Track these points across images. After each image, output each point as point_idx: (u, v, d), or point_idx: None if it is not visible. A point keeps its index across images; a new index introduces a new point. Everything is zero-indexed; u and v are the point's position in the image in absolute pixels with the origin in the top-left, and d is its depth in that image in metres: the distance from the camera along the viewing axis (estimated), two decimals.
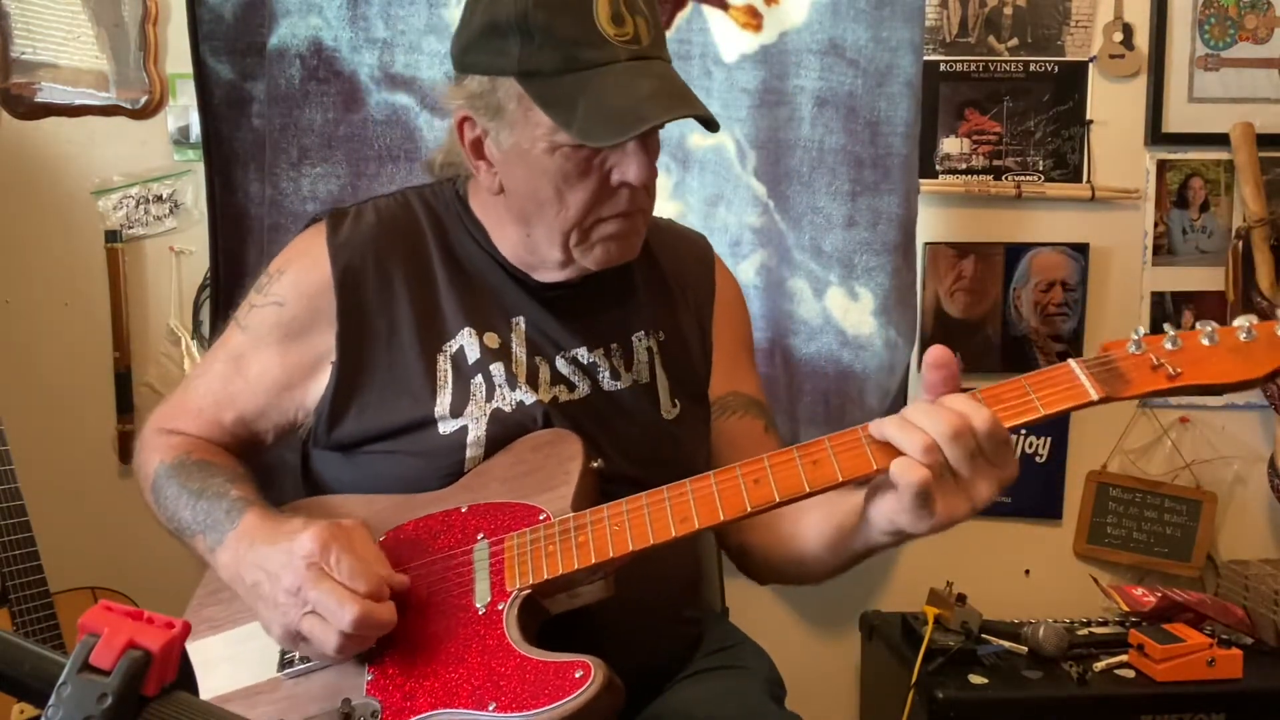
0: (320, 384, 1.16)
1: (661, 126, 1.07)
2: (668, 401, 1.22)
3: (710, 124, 1.06)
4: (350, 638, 0.96)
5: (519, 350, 1.16)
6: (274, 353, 1.18)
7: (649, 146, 1.09)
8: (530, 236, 1.15)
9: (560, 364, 1.17)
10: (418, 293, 1.16)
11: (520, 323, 1.18)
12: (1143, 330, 0.95)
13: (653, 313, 1.24)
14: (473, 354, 1.14)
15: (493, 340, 1.16)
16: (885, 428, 0.91)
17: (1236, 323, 0.93)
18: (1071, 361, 0.94)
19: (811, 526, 1.09)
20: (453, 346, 1.15)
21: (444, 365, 1.14)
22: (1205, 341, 0.93)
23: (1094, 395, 0.91)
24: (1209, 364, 0.92)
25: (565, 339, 1.18)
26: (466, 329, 1.15)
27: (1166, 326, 0.95)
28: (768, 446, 1.07)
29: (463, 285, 1.17)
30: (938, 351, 0.94)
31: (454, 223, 1.21)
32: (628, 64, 1.04)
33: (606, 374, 1.19)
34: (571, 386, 1.17)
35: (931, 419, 0.88)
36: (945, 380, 0.92)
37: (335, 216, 1.20)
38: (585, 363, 1.18)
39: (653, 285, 1.26)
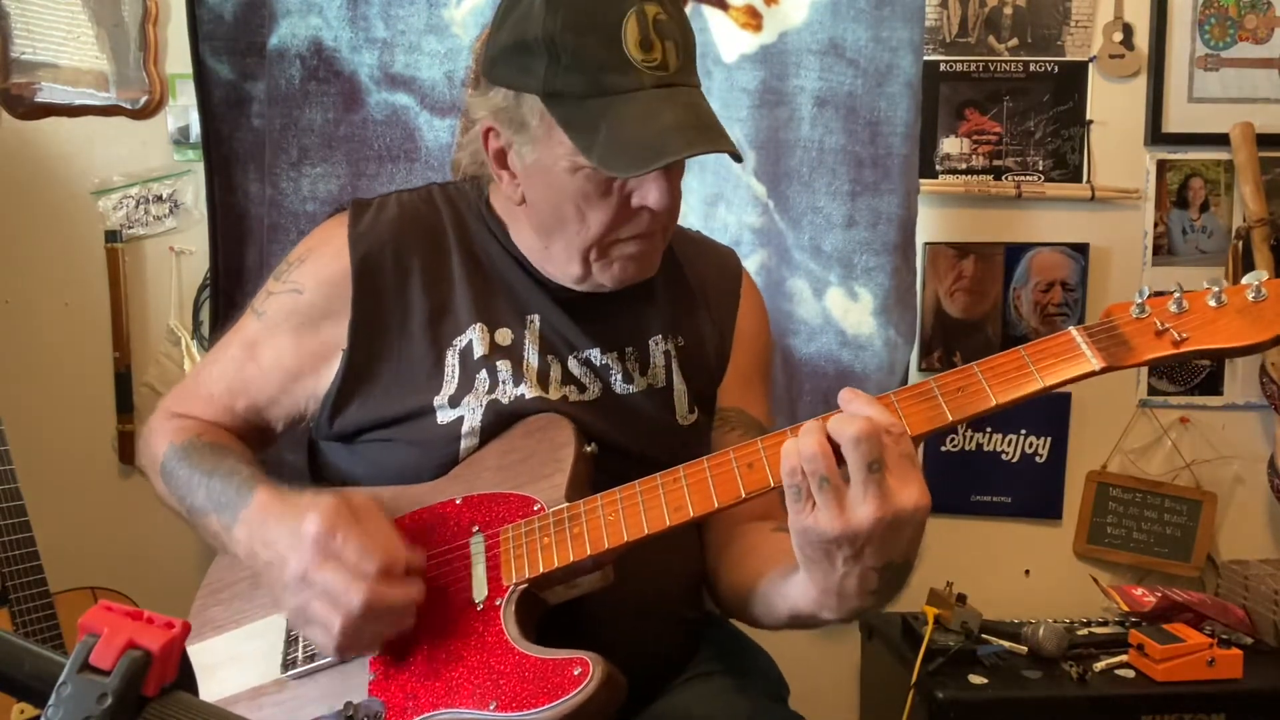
0: (331, 373, 1.16)
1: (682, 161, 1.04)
2: (685, 408, 1.21)
3: (735, 157, 1.04)
4: (356, 627, 0.93)
5: (531, 348, 1.16)
6: (289, 340, 1.18)
7: (672, 171, 1.07)
8: (548, 249, 1.14)
9: (572, 364, 1.17)
10: (434, 287, 1.16)
11: (535, 320, 1.18)
12: (1147, 291, 0.90)
13: (672, 317, 1.24)
14: (479, 349, 1.14)
15: (504, 337, 1.16)
16: (852, 403, 0.87)
17: (1245, 280, 0.88)
18: (1072, 329, 0.90)
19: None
20: (462, 341, 1.15)
21: (452, 360, 1.14)
22: (1212, 303, 0.88)
23: (1095, 365, 0.87)
24: (1216, 327, 0.87)
25: (579, 340, 1.18)
26: (477, 324, 1.15)
27: (1174, 286, 0.89)
28: None
29: (479, 281, 1.17)
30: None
31: (475, 220, 1.21)
32: (653, 91, 1.02)
33: (619, 377, 1.18)
34: (582, 387, 1.17)
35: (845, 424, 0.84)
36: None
37: (358, 207, 1.20)
38: (598, 364, 1.18)
39: (674, 290, 1.25)
